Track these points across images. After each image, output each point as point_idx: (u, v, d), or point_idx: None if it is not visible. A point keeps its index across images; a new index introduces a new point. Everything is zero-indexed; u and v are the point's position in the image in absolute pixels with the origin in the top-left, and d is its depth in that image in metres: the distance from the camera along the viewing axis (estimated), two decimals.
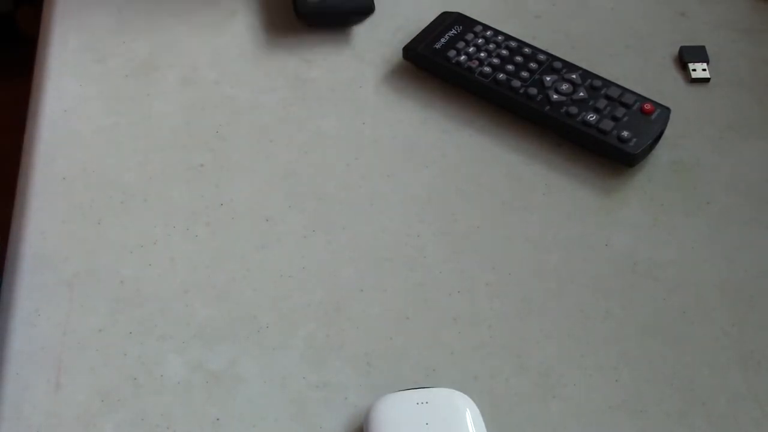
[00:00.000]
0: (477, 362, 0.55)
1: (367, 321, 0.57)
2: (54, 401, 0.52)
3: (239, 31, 0.71)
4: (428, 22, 0.70)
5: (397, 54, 0.70)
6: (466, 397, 0.52)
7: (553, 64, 0.67)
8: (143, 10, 0.72)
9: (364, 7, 0.71)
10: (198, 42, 0.70)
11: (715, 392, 0.55)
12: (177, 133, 0.65)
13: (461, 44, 0.68)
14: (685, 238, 0.62)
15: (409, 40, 0.70)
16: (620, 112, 0.64)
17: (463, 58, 0.68)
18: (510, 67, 0.67)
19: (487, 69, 0.67)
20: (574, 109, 0.64)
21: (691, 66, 0.71)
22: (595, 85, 0.66)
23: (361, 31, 0.70)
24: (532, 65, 0.67)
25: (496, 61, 0.67)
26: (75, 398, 0.53)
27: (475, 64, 0.67)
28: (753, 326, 0.58)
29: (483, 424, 0.51)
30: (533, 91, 0.66)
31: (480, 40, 0.69)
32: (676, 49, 0.72)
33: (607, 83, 0.66)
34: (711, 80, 0.70)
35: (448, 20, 0.70)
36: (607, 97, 0.65)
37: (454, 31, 0.69)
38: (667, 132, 0.65)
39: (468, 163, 0.65)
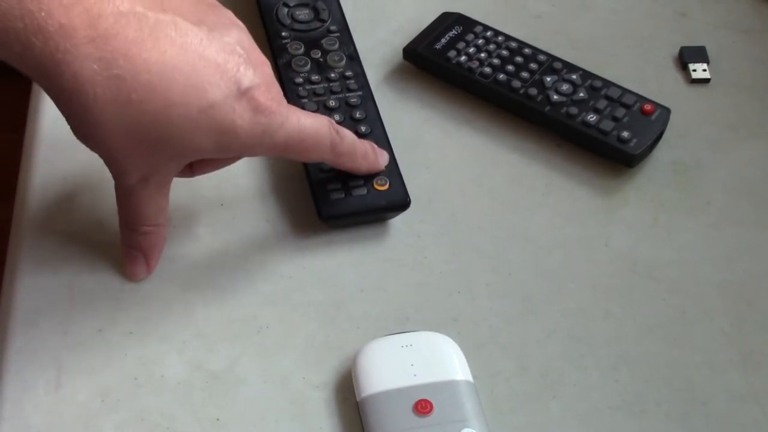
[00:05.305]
0: (477, 362, 0.55)
1: (367, 321, 0.57)
2: (54, 401, 0.52)
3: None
4: (428, 23, 0.71)
5: (397, 54, 0.70)
6: (448, 338, 0.54)
7: (553, 65, 0.67)
8: None
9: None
10: None
11: (715, 392, 0.55)
12: None
13: (461, 45, 0.68)
14: (685, 238, 0.62)
15: (409, 40, 0.70)
16: (620, 112, 0.64)
17: (463, 58, 0.68)
18: (510, 67, 0.67)
19: (487, 69, 0.67)
20: (574, 110, 0.65)
21: (691, 66, 0.71)
22: (595, 85, 0.66)
23: (360, 31, 0.70)
24: (533, 66, 0.67)
25: (496, 61, 0.67)
26: (75, 398, 0.53)
27: (475, 64, 0.67)
28: (753, 326, 0.58)
29: (465, 362, 0.53)
30: (533, 91, 0.66)
31: (480, 41, 0.69)
32: (677, 50, 0.72)
33: (608, 84, 0.66)
34: (711, 81, 0.70)
35: (448, 21, 0.70)
36: (608, 98, 0.65)
37: (454, 32, 0.69)
38: (667, 132, 0.65)
39: (468, 163, 0.65)
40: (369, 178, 0.60)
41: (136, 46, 0.47)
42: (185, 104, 0.49)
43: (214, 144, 0.51)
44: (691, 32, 0.74)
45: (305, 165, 0.61)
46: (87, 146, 0.51)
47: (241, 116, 0.51)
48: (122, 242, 0.57)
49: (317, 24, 0.68)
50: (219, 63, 0.50)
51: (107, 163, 0.52)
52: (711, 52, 0.71)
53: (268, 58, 0.66)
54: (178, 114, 0.49)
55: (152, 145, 0.50)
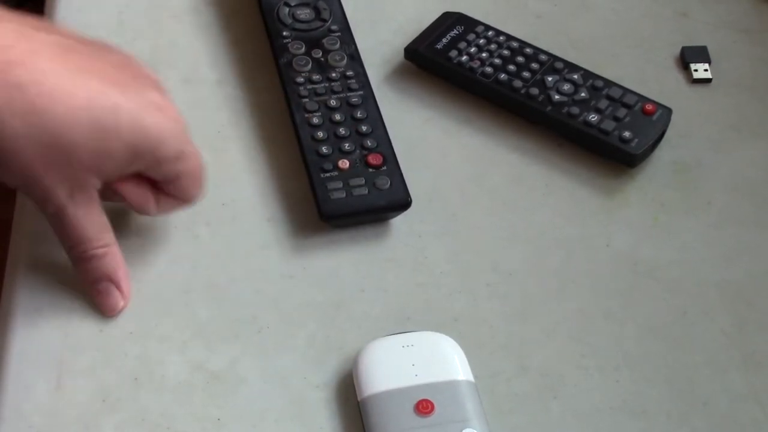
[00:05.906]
0: (477, 362, 0.55)
1: (368, 321, 0.57)
2: (54, 401, 0.52)
3: (241, 34, 0.71)
4: (430, 23, 0.70)
5: (398, 54, 0.70)
6: (449, 338, 0.54)
7: (554, 65, 0.67)
8: (143, 11, 0.72)
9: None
10: (199, 42, 0.70)
11: (715, 393, 0.55)
12: None
13: (463, 44, 0.68)
14: (685, 238, 0.62)
15: (410, 40, 0.70)
16: (622, 112, 0.64)
17: (464, 58, 0.68)
18: (511, 67, 0.67)
19: (488, 69, 0.67)
20: (575, 110, 0.64)
21: (692, 66, 0.70)
22: (596, 85, 0.66)
23: (361, 31, 0.70)
24: (534, 65, 0.67)
25: (497, 61, 0.67)
26: (75, 398, 0.53)
27: (476, 64, 0.67)
28: (753, 326, 0.57)
29: (467, 362, 0.53)
30: (535, 91, 0.66)
31: (482, 41, 0.69)
32: (678, 50, 0.72)
33: (609, 84, 0.66)
34: (713, 81, 0.70)
35: (449, 20, 0.70)
36: (609, 98, 0.65)
37: (455, 32, 0.69)
38: (668, 132, 0.65)
39: (469, 163, 0.65)
40: (370, 177, 0.60)
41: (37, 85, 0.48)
42: (77, 111, 0.49)
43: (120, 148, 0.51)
44: (692, 32, 0.73)
45: (306, 164, 0.61)
46: (6, 181, 0.51)
47: (151, 117, 0.52)
48: (83, 281, 0.55)
49: (318, 23, 0.68)
50: (121, 80, 0.52)
51: (29, 190, 0.51)
52: (712, 52, 0.71)
53: (269, 57, 0.66)
54: (79, 120, 0.49)
55: (61, 157, 0.50)
